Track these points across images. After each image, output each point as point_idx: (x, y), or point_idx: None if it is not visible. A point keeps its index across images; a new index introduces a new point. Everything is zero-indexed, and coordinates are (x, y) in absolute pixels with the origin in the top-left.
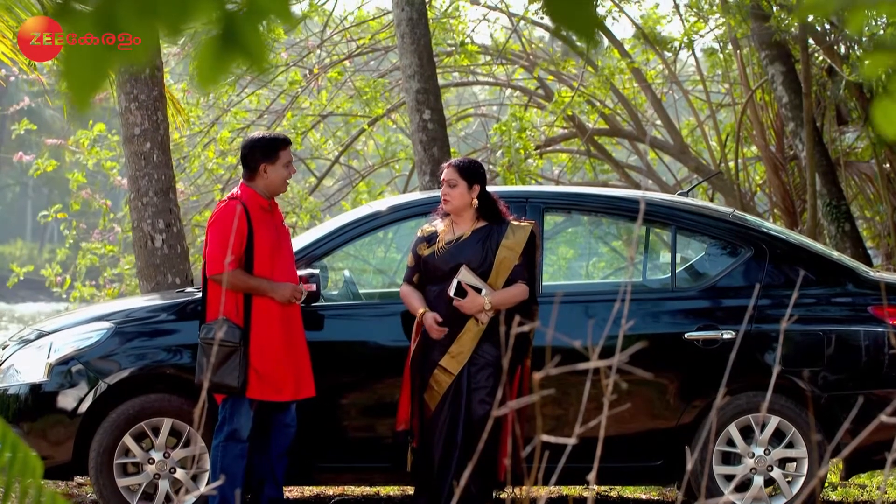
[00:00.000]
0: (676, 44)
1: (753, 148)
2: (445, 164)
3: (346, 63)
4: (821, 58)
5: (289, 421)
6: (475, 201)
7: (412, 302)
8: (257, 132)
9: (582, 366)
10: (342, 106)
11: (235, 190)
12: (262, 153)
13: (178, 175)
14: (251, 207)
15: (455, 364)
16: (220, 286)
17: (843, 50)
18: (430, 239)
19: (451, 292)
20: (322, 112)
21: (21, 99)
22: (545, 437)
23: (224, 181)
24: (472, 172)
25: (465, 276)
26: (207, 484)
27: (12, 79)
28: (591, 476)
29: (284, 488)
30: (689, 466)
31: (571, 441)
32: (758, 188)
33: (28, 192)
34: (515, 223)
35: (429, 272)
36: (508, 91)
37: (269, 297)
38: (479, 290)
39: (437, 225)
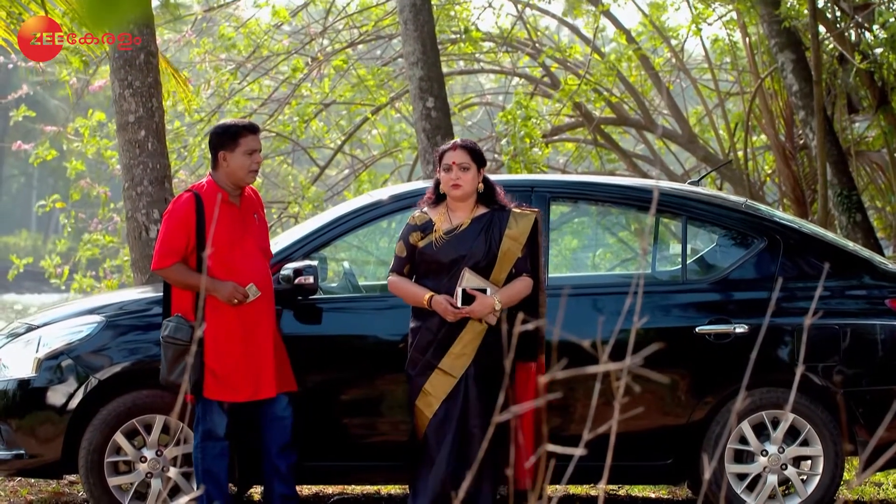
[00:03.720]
0: (684, 31)
1: (763, 137)
2: (449, 147)
3: (349, 51)
4: (831, 45)
5: (280, 412)
6: (481, 186)
7: (411, 289)
8: (228, 119)
9: (592, 369)
10: (345, 94)
11: (202, 180)
12: (220, 140)
13: (178, 164)
14: (206, 198)
15: (458, 366)
16: None
17: (853, 37)
18: (425, 228)
19: (459, 303)
20: (325, 101)
21: (20, 87)
22: (551, 447)
23: None
24: (481, 155)
25: (468, 280)
26: (195, 485)
27: (10, 66)
28: (602, 485)
29: None
30: (707, 476)
31: (579, 451)
32: (767, 178)
33: (33, 182)
34: (517, 211)
35: (425, 265)
36: (514, 80)
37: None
38: (483, 291)
39: (429, 213)
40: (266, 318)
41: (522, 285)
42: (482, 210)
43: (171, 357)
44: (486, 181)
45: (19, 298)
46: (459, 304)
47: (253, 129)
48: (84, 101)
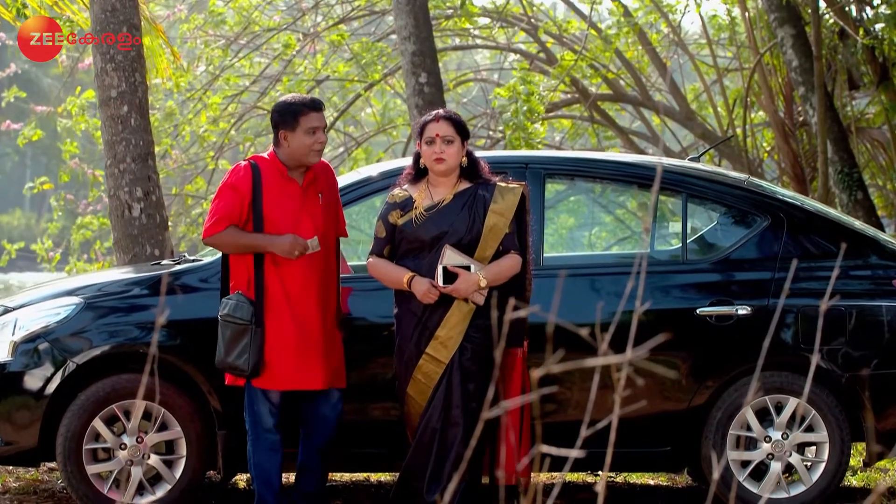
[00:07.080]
0: (682, 5)
1: (761, 113)
2: (431, 118)
3: (342, 26)
4: (832, 20)
5: (326, 412)
6: (465, 160)
7: (391, 270)
8: (290, 95)
9: (591, 362)
10: (338, 70)
11: (266, 152)
12: (280, 119)
13: (171, 142)
14: (265, 171)
15: (445, 351)
16: (239, 257)
17: (854, 12)
18: (405, 206)
19: (440, 282)
20: (317, 77)
21: (8, 66)
22: (546, 448)
23: (217, 148)
24: (465, 127)
25: (450, 257)
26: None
27: (0, 44)
28: (603, 476)
29: None
30: (716, 475)
31: (575, 453)
32: (766, 155)
33: (27, 161)
34: (503, 185)
35: (406, 243)
36: (510, 57)
37: (273, 255)
38: (466, 268)
39: (409, 189)
40: (317, 306)
41: (511, 262)
42: (465, 185)
43: (230, 337)
44: (469, 155)
45: (21, 276)
46: (441, 283)
47: (315, 107)
48: (76, 79)
